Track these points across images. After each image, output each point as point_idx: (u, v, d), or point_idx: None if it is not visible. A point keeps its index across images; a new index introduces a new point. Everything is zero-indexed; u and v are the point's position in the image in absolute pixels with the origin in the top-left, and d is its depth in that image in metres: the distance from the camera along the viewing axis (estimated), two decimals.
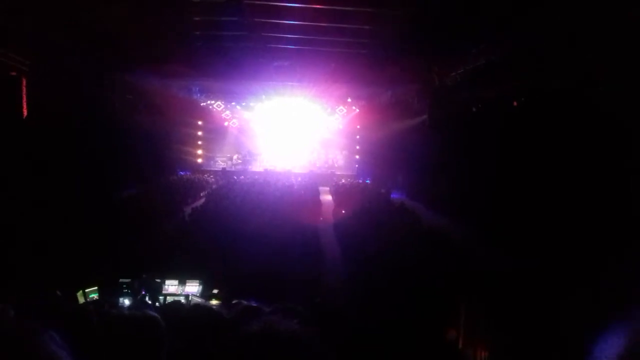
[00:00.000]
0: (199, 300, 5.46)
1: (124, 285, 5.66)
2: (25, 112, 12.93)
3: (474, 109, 14.73)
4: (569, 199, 8.96)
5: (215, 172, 25.71)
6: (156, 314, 1.90)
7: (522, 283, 6.94)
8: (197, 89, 25.15)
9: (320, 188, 20.87)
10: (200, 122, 27.28)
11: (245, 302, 3.32)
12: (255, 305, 3.11)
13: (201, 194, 19.55)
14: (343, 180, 23.16)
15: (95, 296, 5.49)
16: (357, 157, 27.43)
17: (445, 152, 16.08)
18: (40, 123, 12.55)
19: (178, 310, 3.00)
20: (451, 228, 13.28)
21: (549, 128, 10.10)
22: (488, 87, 13.44)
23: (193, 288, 6.07)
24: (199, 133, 27.41)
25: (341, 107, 26.95)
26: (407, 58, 14.30)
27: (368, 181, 23.98)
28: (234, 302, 3.69)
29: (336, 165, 28.17)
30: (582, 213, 8.39)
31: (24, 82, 12.94)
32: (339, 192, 18.96)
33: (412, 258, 8.75)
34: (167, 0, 10.85)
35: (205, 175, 24.23)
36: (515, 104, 12.31)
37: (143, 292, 5.69)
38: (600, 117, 8.43)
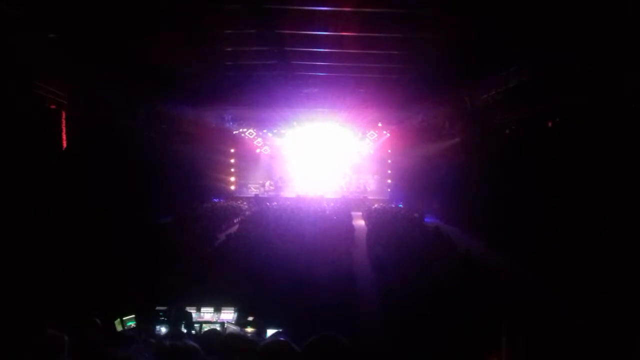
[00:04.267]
0: (234, 327, 5.44)
1: (160, 313, 5.69)
2: (65, 144, 13.33)
3: (507, 131, 14.55)
4: (613, 221, 8.70)
5: (248, 199, 25.93)
6: (196, 344, 1.90)
7: (565, 311, 6.72)
8: (230, 117, 25.63)
9: (353, 213, 20.78)
10: (232, 150, 27.73)
11: (281, 339, 3.26)
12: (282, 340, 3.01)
13: (235, 221, 19.69)
14: (375, 205, 23.00)
15: (132, 324, 5.52)
16: (389, 181, 27.31)
17: (479, 174, 15.88)
18: (79, 154, 12.91)
19: (215, 339, 2.99)
20: (487, 252, 13.02)
21: (586, 148, 9.89)
22: (521, 108, 13.29)
23: (228, 315, 6.06)
24: (232, 160, 27.84)
25: (372, 131, 27.01)
26: (438, 82, 14.28)
27: (401, 205, 23.79)
28: (273, 332, 3.64)
29: (368, 190, 28.06)
30: (629, 236, 8.11)
31: (64, 115, 13.38)
32: (372, 217, 18.82)
33: (448, 283, 8.58)
34: (200, 32, 11.12)
35: (239, 202, 24.44)
36: (550, 124, 12.11)
37: (179, 320, 5.70)
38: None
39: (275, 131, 27.77)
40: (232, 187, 27.89)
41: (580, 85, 10.11)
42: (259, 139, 28.68)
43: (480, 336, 5.89)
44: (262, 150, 29.25)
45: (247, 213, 21.52)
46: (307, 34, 11.08)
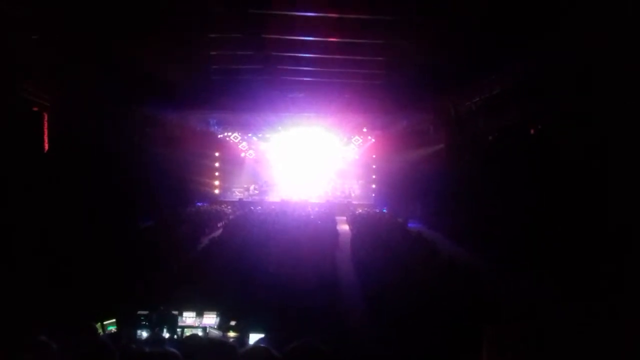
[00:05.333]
0: (216, 332, 5.42)
1: (142, 318, 5.64)
2: (46, 147, 13.19)
3: (490, 137, 14.70)
4: (596, 226, 8.82)
5: (233, 203, 25.81)
6: (176, 351, 1.90)
7: (549, 315, 6.80)
8: (215, 121, 25.60)
9: (337, 218, 20.80)
10: (217, 154, 27.62)
11: (262, 345, 3.26)
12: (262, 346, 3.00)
13: (218, 225, 19.59)
14: (360, 210, 23.06)
15: (113, 329, 5.47)
16: (374, 186, 27.40)
17: (463, 180, 16.01)
18: (60, 157, 12.78)
19: (196, 345, 2.98)
20: (470, 257, 13.11)
21: (569, 154, 10.02)
22: (504, 114, 13.44)
23: (210, 320, 6.03)
24: (216, 164, 27.71)
25: (357, 137, 27.14)
26: (422, 88, 14.41)
27: (385, 210, 23.88)
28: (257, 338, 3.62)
29: (353, 195, 28.12)
30: (614, 240, 8.22)
31: (46, 118, 13.24)
32: (356, 222, 18.87)
33: (431, 289, 8.64)
34: (186, 36, 11.10)
35: (223, 206, 24.32)
36: (532, 131, 12.27)
37: (160, 325, 5.66)
38: (623, 142, 8.34)
39: (260, 135, 27.80)
40: (217, 191, 27.76)
41: (563, 92, 10.25)
42: (244, 143, 28.65)
43: (462, 341, 5.95)
44: (246, 155, 29.19)
45: (231, 217, 21.42)
46: (292, 39, 11.14)
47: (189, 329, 5.72)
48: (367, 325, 8.54)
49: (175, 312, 5.97)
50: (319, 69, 13.63)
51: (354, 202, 25.99)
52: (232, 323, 5.55)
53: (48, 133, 13.22)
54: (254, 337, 4.94)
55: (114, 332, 5.36)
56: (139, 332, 5.37)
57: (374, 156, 27.21)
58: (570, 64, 9.55)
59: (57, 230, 11.01)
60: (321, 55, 12.20)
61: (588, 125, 9.51)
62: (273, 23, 10.10)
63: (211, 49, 12.51)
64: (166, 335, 5.41)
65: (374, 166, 27.38)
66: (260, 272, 9.41)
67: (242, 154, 29.04)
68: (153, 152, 18.65)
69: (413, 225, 18.55)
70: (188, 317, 6.08)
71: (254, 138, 28.25)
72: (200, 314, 6.10)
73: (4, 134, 10.67)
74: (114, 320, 5.54)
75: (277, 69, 13.70)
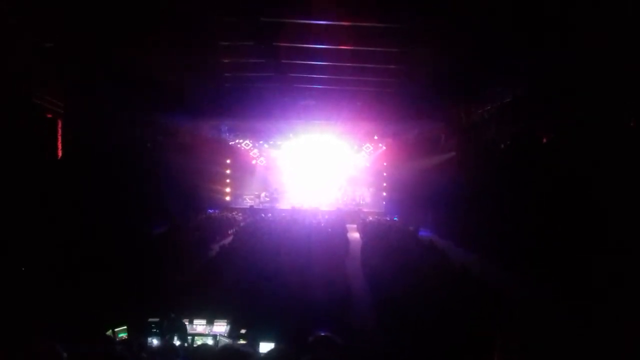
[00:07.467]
0: (226, 341, 5.41)
1: (153, 325, 5.64)
2: (60, 153, 13.31)
3: (502, 146, 14.62)
4: (609, 236, 8.73)
5: (243, 210, 25.86)
6: None
7: (558, 323, 6.73)
8: (226, 128, 25.68)
9: (348, 225, 20.72)
10: (228, 161, 27.69)
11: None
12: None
13: (229, 232, 19.61)
14: (370, 218, 22.99)
15: (124, 336, 5.48)
16: (385, 194, 27.33)
17: (474, 189, 15.92)
18: (74, 164, 12.88)
19: (207, 354, 2.97)
20: (482, 266, 13.02)
21: (581, 163, 9.94)
22: (516, 123, 13.37)
23: (221, 328, 6.02)
24: (228, 171, 27.79)
25: (368, 144, 27.11)
26: (434, 96, 14.37)
27: (396, 218, 23.78)
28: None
29: (363, 203, 28.06)
30: (623, 250, 8.14)
31: (59, 124, 13.37)
32: (367, 230, 18.80)
33: (442, 297, 8.57)
34: (198, 44, 11.17)
35: (234, 213, 24.37)
36: (544, 140, 12.18)
37: (171, 332, 5.65)
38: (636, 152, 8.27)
39: (271, 142, 27.90)
40: (228, 198, 27.82)
41: (576, 101, 10.19)
42: (255, 150, 28.78)
43: (474, 349, 5.89)
44: (257, 162, 29.30)
45: (241, 224, 21.44)
46: (304, 47, 11.17)
47: (200, 337, 5.71)
48: (379, 334, 8.49)
49: (186, 320, 5.97)
50: (330, 76, 13.65)
51: (365, 210, 25.93)
52: (243, 331, 5.53)
53: (61, 140, 13.35)
54: (264, 346, 4.92)
55: (125, 339, 5.36)
56: (149, 339, 5.37)
57: (385, 164, 27.15)
58: (579, 71, 9.49)
59: (69, 236, 11.08)
60: (333, 63, 12.22)
61: (598, 132, 9.45)
62: (285, 31, 10.13)
63: (223, 57, 12.58)
64: (177, 342, 5.40)
65: (384, 174, 27.31)
66: (270, 280, 9.39)
67: (253, 161, 29.17)
68: (165, 160, 18.75)
69: (424, 234, 18.45)
70: (198, 325, 6.08)
71: (265, 145, 28.36)
72: (210, 322, 6.10)
73: (19, 141, 10.78)
74: (125, 327, 5.56)
75: (288, 76, 13.74)
